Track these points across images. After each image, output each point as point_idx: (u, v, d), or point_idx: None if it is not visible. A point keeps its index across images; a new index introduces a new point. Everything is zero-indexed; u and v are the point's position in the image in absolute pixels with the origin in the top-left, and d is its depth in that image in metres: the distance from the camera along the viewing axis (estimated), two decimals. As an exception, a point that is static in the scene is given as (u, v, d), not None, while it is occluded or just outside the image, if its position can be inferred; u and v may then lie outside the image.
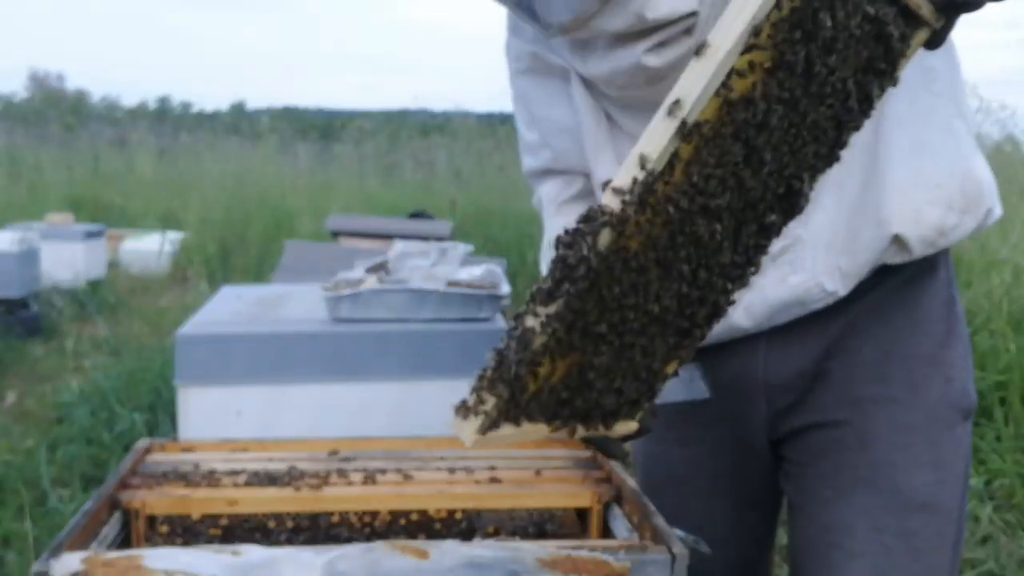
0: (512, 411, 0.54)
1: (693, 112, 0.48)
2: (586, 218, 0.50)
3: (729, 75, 0.49)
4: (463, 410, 0.53)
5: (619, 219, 0.49)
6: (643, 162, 0.49)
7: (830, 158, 0.57)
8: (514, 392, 0.52)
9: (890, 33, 0.53)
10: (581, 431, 0.61)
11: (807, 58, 0.50)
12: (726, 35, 0.48)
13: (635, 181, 0.49)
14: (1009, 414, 2.10)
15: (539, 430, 0.59)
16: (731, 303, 0.60)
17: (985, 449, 1.99)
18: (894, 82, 0.56)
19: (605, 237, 0.49)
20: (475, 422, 0.53)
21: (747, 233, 0.56)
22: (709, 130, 0.50)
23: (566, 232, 0.51)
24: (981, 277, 2.57)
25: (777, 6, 0.48)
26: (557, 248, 0.50)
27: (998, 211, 0.73)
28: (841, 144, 0.57)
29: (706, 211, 0.52)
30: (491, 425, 0.54)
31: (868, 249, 0.70)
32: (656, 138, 0.49)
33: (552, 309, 0.50)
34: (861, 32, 0.51)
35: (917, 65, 0.68)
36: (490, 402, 0.52)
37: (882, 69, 0.55)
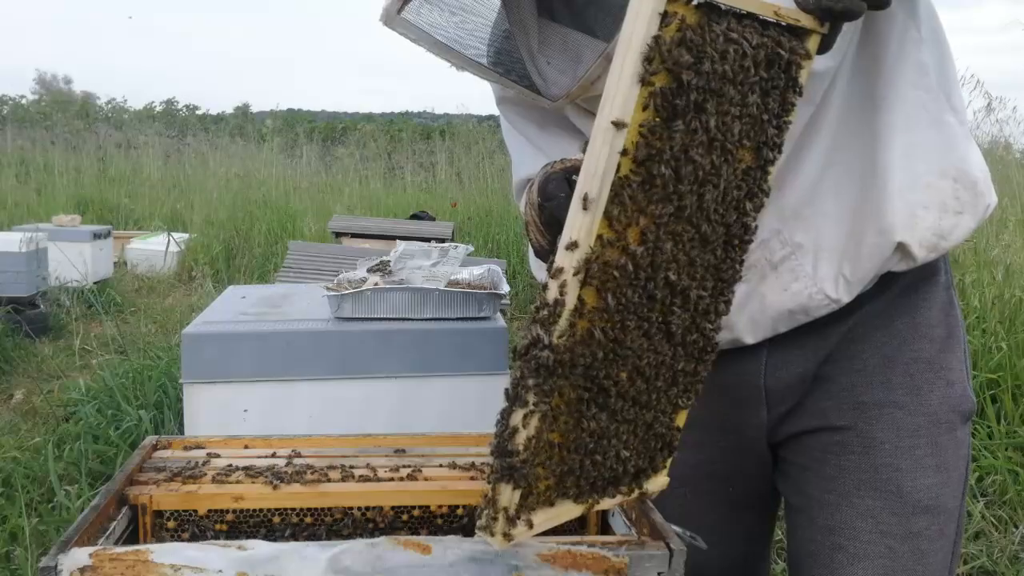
0: (530, 499, 0.53)
1: (603, 194, 0.47)
2: (539, 307, 0.50)
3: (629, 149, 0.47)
4: (482, 515, 0.53)
5: (568, 303, 0.48)
6: (572, 246, 0.48)
7: (761, 181, 0.57)
8: (518, 482, 0.51)
9: (778, 53, 0.53)
10: (609, 502, 0.59)
11: (700, 102, 0.49)
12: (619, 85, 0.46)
13: (572, 262, 0.48)
14: (1001, 412, 2.11)
15: (569, 510, 0.57)
16: (716, 344, 0.59)
17: (977, 446, 2.00)
18: (799, 93, 0.56)
19: (563, 323, 0.49)
20: (499, 522, 0.52)
21: (702, 272, 0.55)
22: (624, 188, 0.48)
23: (527, 331, 0.50)
24: (973, 277, 2.57)
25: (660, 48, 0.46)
26: (518, 348, 0.50)
27: (995, 201, 0.72)
28: (768, 161, 0.56)
29: (654, 265, 0.52)
30: (514, 519, 0.53)
31: (872, 256, 0.70)
32: (576, 222, 0.48)
33: (531, 400, 0.50)
34: (749, 61, 0.51)
35: (908, 62, 0.68)
36: (502, 497, 0.52)
37: (782, 84, 0.55)
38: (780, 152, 0.57)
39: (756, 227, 0.58)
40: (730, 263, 0.58)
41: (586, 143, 0.48)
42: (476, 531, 0.53)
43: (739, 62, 0.51)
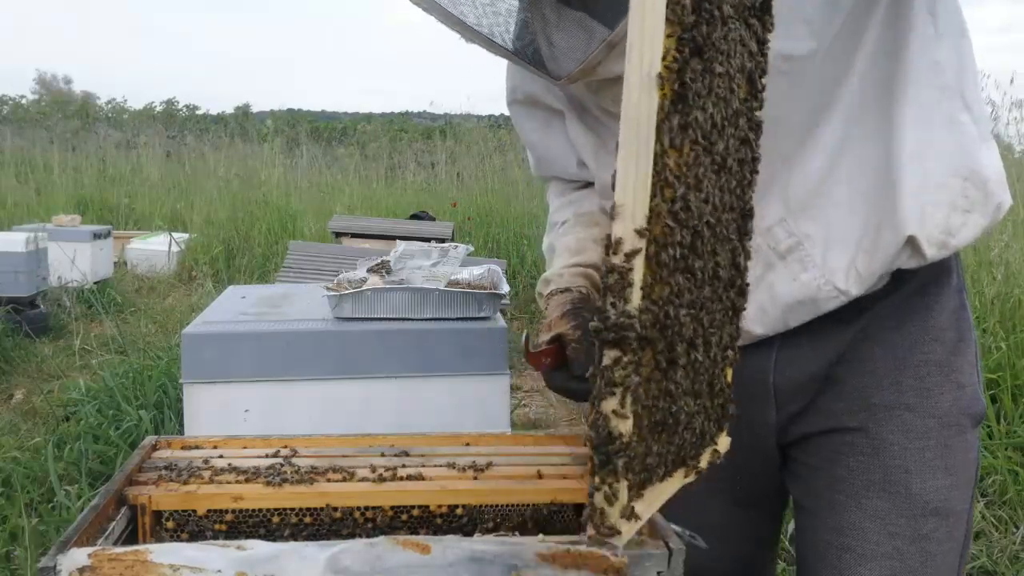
0: (634, 484, 0.53)
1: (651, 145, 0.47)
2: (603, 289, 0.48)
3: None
4: (592, 514, 0.51)
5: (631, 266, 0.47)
6: (616, 211, 0.47)
7: (756, 110, 0.58)
8: (625, 469, 0.50)
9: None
10: (693, 471, 0.59)
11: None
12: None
13: (633, 224, 0.47)
14: (1001, 412, 2.11)
15: (668, 487, 0.57)
16: (748, 287, 0.60)
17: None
18: (771, 14, 0.57)
19: (635, 297, 0.48)
20: (613, 516, 0.51)
21: (728, 212, 0.56)
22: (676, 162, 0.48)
23: (596, 316, 0.48)
24: (974, 277, 2.58)
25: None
26: (592, 326, 0.48)
27: (1008, 202, 0.72)
28: (759, 89, 0.57)
29: (697, 208, 0.51)
30: (627, 508, 0.52)
31: (884, 250, 0.69)
32: (629, 186, 0.47)
33: (619, 377, 0.48)
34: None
35: (924, 60, 0.68)
36: (611, 488, 0.51)
37: (759, 8, 0.56)
38: (765, 76, 0.58)
39: (759, 157, 0.58)
40: (747, 199, 0.59)
41: (613, 175, 0.47)
42: (586, 531, 0.52)
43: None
